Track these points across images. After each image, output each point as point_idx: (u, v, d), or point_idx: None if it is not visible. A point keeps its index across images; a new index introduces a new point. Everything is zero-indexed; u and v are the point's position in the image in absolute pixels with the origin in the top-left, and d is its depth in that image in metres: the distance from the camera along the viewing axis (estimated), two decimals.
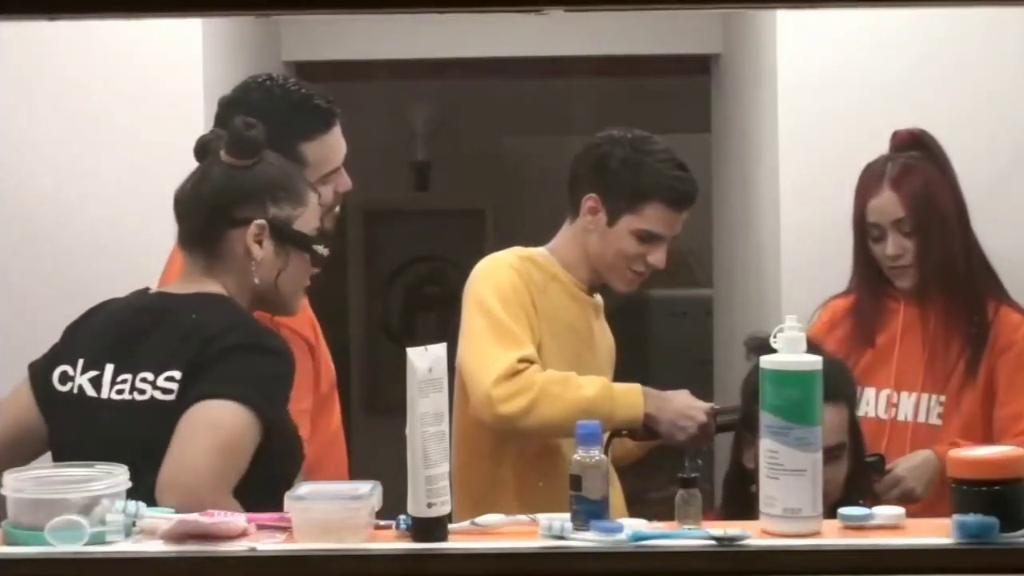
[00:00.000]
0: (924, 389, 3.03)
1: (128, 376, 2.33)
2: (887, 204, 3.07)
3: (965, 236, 3.09)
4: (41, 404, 2.40)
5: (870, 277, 3.14)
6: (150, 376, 2.30)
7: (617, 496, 3.07)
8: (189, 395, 2.26)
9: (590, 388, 2.91)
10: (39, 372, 2.43)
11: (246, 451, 2.24)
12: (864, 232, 3.13)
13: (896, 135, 3.16)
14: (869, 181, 3.13)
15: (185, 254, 2.45)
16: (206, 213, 2.42)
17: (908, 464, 2.95)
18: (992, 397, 3.04)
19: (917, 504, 2.90)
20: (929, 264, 3.06)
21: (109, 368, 2.34)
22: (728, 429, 2.98)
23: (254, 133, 2.42)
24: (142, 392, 2.31)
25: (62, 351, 2.43)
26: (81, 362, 2.37)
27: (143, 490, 2.10)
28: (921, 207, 3.06)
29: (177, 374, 2.29)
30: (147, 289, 2.50)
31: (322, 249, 2.50)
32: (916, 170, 3.08)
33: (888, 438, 3.05)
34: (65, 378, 2.38)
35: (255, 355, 2.31)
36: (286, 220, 2.44)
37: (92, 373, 2.36)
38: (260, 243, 2.41)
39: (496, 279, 3.00)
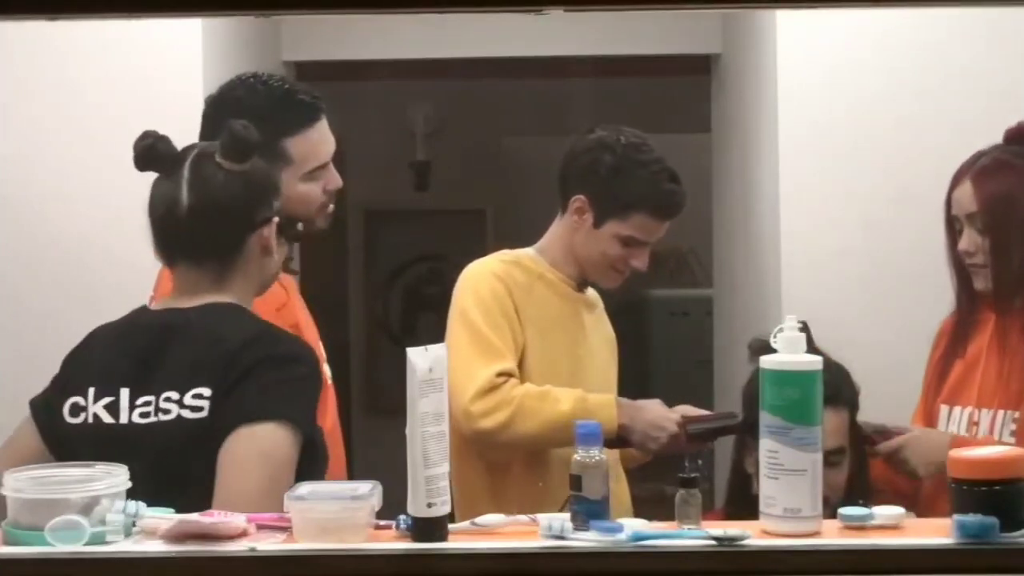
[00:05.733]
0: (1000, 405, 2.84)
1: (151, 398, 2.26)
2: (964, 196, 2.89)
3: None
4: (49, 440, 2.33)
5: (961, 279, 2.94)
6: (175, 395, 2.25)
7: (623, 492, 3.09)
8: (227, 415, 2.21)
9: (566, 402, 2.93)
10: (43, 408, 2.37)
11: (292, 471, 2.22)
12: (952, 226, 2.94)
13: (1009, 128, 2.95)
14: (960, 170, 2.93)
15: (191, 268, 2.36)
16: (227, 222, 2.35)
17: (914, 434, 2.84)
18: None
19: (917, 487, 2.87)
20: (1002, 266, 2.85)
21: (125, 392, 2.28)
22: (700, 438, 2.99)
23: (251, 132, 2.37)
24: (167, 412, 2.25)
25: (68, 382, 2.35)
26: (92, 391, 2.30)
27: (180, 508, 2.05)
28: (996, 205, 2.85)
29: (206, 391, 2.23)
30: (145, 307, 2.42)
31: (300, 226, 2.55)
32: (1007, 166, 2.88)
33: None
34: (76, 409, 2.31)
35: (284, 367, 2.27)
36: (279, 210, 2.43)
37: (107, 400, 2.29)
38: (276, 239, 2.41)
39: (477, 289, 3.02)
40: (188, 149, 2.40)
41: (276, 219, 2.39)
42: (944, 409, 2.91)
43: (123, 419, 2.28)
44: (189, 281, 2.37)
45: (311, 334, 2.73)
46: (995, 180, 2.87)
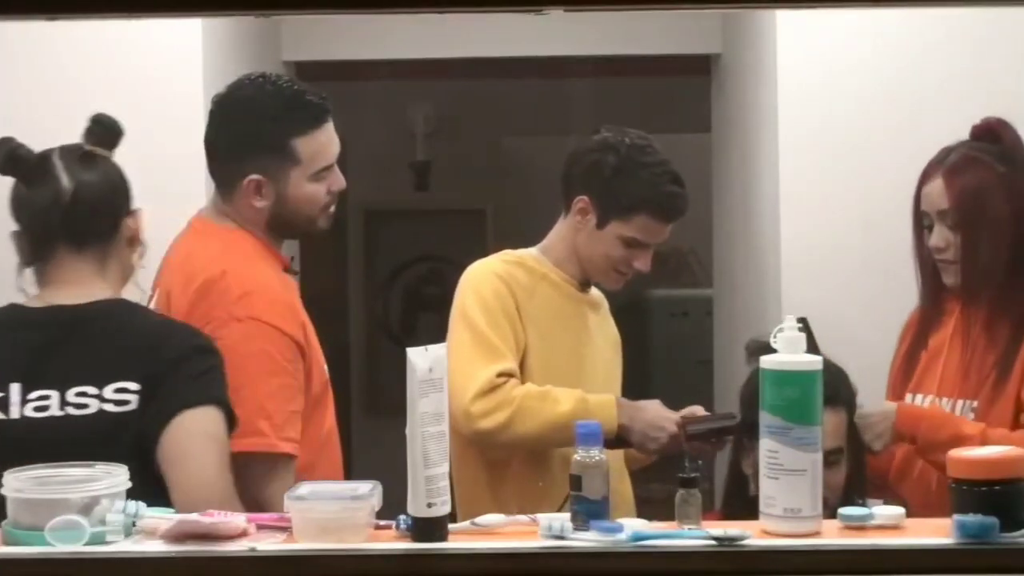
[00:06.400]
0: (961, 395, 2.88)
1: (51, 392, 2.31)
2: (935, 192, 2.91)
3: (1017, 241, 2.88)
4: None
5: (926, 273, 2.98)
6: (91, 390, 2.31)
7: (626, 491, 3.10)
8: (159, 405, 2.30)
9: (566, 403, 2.93)
10: None
11: (229, 450, 2.35)
12: (920, 221, 2.97)
13: (975, 124, 2.97)
14: (929, 167, 2.95)
15: (73, 257, 2.42)
16: (108, 206, 2.45)
17: (867, 410, 2.88)
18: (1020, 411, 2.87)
19: (885, 463, 2.92)
20: (971, 263, 2.88)
21: (15, 388, 2.32)
22: (698, 439, 2.98)
23: (116, 120, 2.52)
24: (82, 407, 2.30)
25: None
26: None
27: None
28: (968, 201, 2.87)
29: (132, 384, 2.31)
30: (17, 304, 2.44)
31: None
32: (975, 163, 2.90)
33: None
34: None
35: (205, 356, 2.39)
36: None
37: None
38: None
39: (479, 289, 3.02)
40: (47, 152, 2.47)
41: (141, 209, 2.49)
42: (908, 397, 2.95)
43: (15, 414, 2.31)
44: (69, 272, 2.41)
45: (312, 334, 2.73)
46: (966, 177, 2.90)
